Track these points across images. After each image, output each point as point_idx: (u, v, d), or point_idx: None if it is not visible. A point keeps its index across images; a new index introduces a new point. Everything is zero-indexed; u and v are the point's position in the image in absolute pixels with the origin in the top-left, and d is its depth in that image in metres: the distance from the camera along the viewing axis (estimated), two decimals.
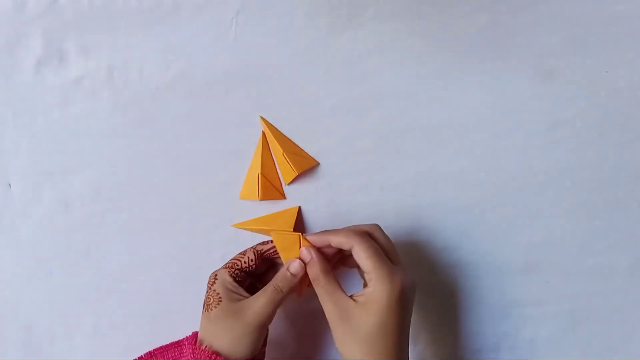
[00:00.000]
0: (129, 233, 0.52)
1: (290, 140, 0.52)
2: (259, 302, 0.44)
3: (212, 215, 0.52)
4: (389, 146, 0.52)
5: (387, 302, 0.42)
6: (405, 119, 0.52)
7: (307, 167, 0.52)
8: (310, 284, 0.46)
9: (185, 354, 0.46)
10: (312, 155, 0.52)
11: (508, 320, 0.52)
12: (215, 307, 0.45)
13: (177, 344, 0.47)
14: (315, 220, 0.52)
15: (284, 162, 0.51)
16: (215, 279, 0.46)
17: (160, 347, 0.48)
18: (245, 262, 0.47)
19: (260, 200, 0.51)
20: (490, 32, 0.51)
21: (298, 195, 0.52)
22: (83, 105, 0.52)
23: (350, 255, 0.45)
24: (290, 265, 0.45)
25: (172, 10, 0.51)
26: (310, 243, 0.46)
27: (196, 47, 0.51)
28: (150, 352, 0.48)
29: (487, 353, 0.53)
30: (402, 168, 0.52)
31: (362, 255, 0.43)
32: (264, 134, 0.52)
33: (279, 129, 0.52)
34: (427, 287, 0.52)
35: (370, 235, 0.45)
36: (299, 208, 0.52)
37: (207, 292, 0.46)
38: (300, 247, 0.46)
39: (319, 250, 0.45)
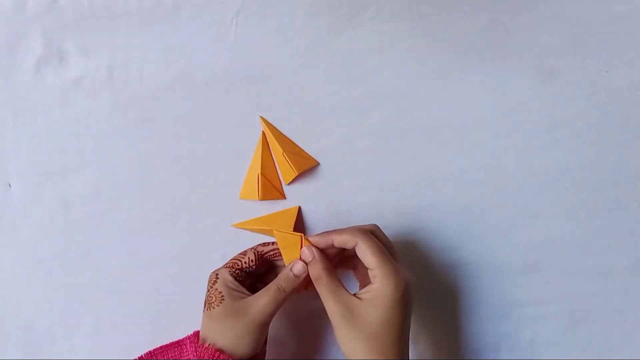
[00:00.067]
0: (129, 233, 0.52)
1: (290, 140, 0.52)
2: (262, 300, 0.44)
3: (212, 215, 0.52)
4: (389, 146, 0.52)
5: (394, 298, 0.42)
6: (405, 119, 0.52)
7: (307, 167, 0.52)
8: (308, 286, 0.46)
9: (186, 354, 0.46)
10: (312, 155, 0.52)
11: (508, 320, 0.52)
12: (218, 305, 0.44)
13: (178, 344, 0.47)
14: (315, 220, 0.52)
15: (284, 162, 0.51)
16: (217, 277, 0.46)
17: (161, 347, 0.48)
18: (245, 263, 0.47)
19: (260, 200, 0.51)
20: (490, 32, 0.51)
21: (298, 195, 0.52)
22: (83, 105, 0.52)
23: (350, 256, 0.45)
24: (294, 267, 0.45)
25: (172, 10, 0.51)
26: (312, 244, 0.46)
27: (196, 47, 0.51)
28: (150, 352, 0.48)
29: (487, 353, 0.53)
30: (402, 168, 0.52)
31: (367, 252, 0.43)
32: (264, 134, 0.52)
33: (279, 129, 0.52)
34: (427, 287, 0.52)
35: (372, 234, 0.45)
36: (299, 208, 0.52)
37: (208, 291, 0.46)
38: (301, 248, 0.46)
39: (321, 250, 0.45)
